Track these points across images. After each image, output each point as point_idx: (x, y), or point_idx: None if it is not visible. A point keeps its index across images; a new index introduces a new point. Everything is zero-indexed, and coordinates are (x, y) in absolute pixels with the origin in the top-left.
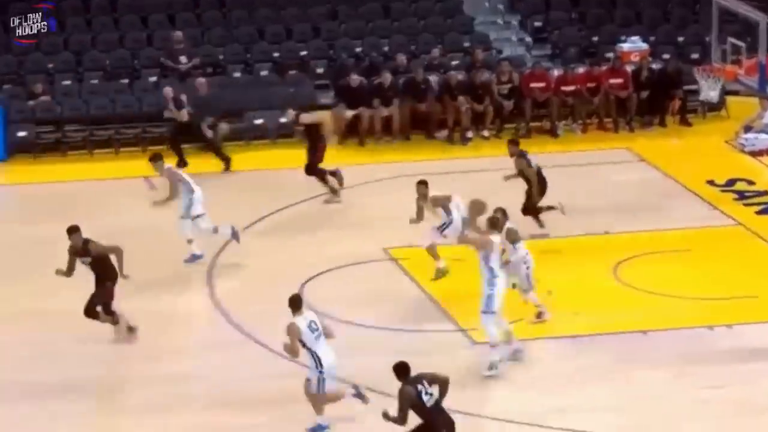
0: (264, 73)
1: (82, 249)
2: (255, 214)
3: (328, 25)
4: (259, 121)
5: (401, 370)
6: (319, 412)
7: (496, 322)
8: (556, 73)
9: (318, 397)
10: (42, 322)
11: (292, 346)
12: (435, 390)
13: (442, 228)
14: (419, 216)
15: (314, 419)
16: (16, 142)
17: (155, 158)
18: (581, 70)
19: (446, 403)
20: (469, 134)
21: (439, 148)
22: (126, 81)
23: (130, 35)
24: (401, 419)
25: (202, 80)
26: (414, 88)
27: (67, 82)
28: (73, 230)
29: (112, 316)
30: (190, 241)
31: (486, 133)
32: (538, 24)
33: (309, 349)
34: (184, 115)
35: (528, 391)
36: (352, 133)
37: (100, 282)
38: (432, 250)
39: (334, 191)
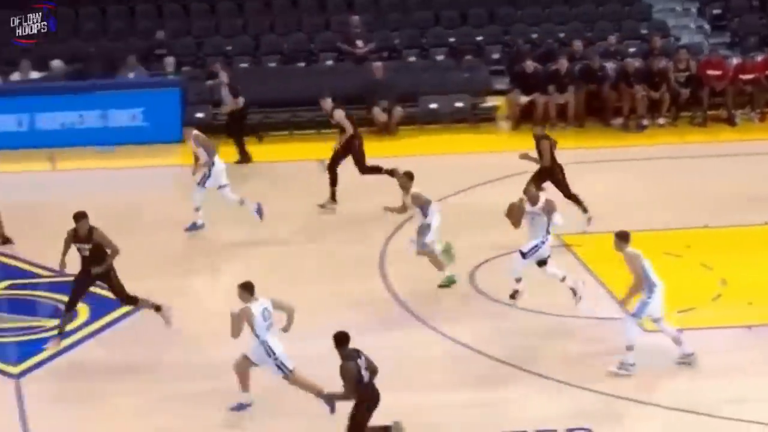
0: (439, 57)
1: (86, 236)
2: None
3: (505, 10)
4: (433, 106)
5: (341, 339)
6: (306, 390)
7: (661, 327)
8: (734, 61)
9: (294, 379)
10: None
11: (236, 327)
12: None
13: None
14: (401, 209)
15: (240, 398)
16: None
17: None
18: (760, 58)
19: (612, 389)
20: (645, 122)
21: (614, 136)
22: (303, 65)
23: (308, 20)
24: (349, 394)
25: (378, 64)
26: (590, 74)
27: (245, 65)
28: (81, 216)
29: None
30: (197, 209)
31: (662, 120)
32: (717, 11)
33: (258, 337)
34: (239, 102)
35: (703, 380)
36: (527, 119)
37: (85, 269)
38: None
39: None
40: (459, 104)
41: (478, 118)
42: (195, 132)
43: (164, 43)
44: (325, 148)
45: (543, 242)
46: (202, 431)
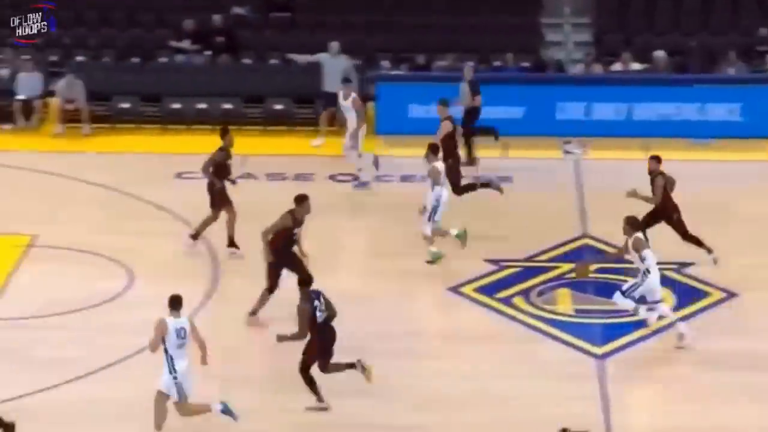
0: None
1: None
2: None
3: None
4: None
5: (304, 281)
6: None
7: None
8: None
9: (181, 407)
10: None
11: (154, 340)
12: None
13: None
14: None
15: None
16: None
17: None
18: None
19: None
20: None
21: None
22: None
23: None
24: (301, 334)
25: None
26: None
27: None
28: (303, 199)
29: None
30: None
31: None
32: None
33: (166, 351)
34: (478, 101)
35: None
36: None
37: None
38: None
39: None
40: None
41: None
42: (353, 95)
43: (766, 39)
44: None
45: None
46: None
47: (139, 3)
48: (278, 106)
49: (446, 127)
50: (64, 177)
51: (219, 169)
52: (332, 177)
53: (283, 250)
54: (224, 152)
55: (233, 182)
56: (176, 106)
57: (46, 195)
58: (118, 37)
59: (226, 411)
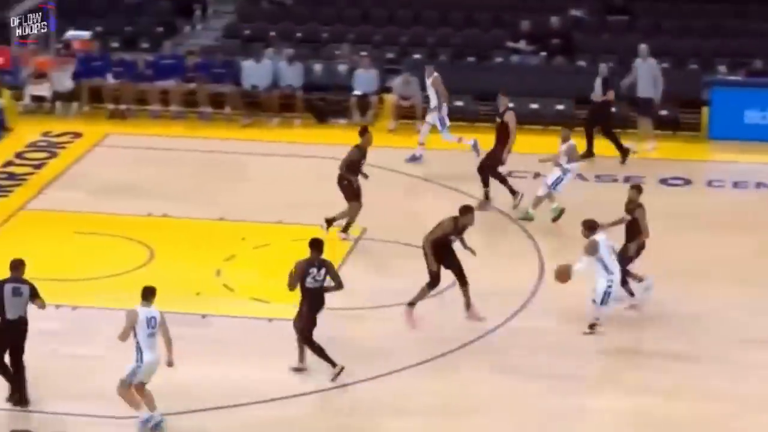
0: None
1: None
2: None
3: None
4: None
5: (316, 245)
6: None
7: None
8: None
9: (123, 386)
10: None
11: (125, 329)
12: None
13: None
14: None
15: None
16: None
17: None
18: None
19: None
20: None
21: None
22: None
23: None
24: (289, 285)
25: None
26: None
27: None
28: (467, 210)
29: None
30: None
31: None
32: None
33: (136, 340)
34: (610, 95)
35: None
36: None
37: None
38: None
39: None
40: None
41: None
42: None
43: None
44: None
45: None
46: None
47: (477, 3)
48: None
49: None
50: (395, 172)
51: (352, 166)
52: (663, 181)
53: (441, 252)
54: (360, 151)
55: (365, 176)
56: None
57: (380, 188)
58: (455, 36)
59: (151, 426)
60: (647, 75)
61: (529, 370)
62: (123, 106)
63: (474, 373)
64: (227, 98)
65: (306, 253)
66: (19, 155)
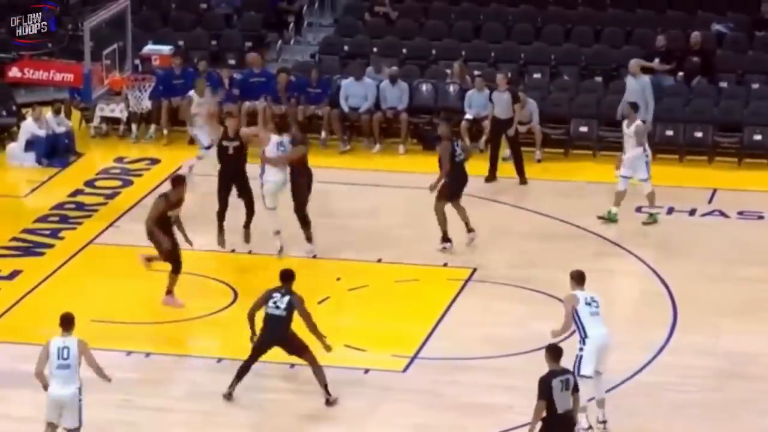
0: None
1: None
2: None
3: None
4: None
5: (285, 276)
6: None
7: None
8: None
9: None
10: None
11: (37, 363)
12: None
13: None
14: None
15: None
16: None
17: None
18: None
19: None
20: None
21: None
22: None
23: None
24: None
25: None
26: None
27: None
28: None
29: None
30: None
31: None
32: None
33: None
34: None
35: None
36: None
37: None
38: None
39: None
40: None
41: None
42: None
43: None
44: None
45: None
46: None
47: (606, 16)
48: (757, 137)
49: None
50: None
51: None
52: None
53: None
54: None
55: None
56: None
57: (490, 224)
58: (579, 53)
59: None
60: None
61: None
62: None
63: None
64: (323, 122)
65: (407, 294)
66: (89, 183)
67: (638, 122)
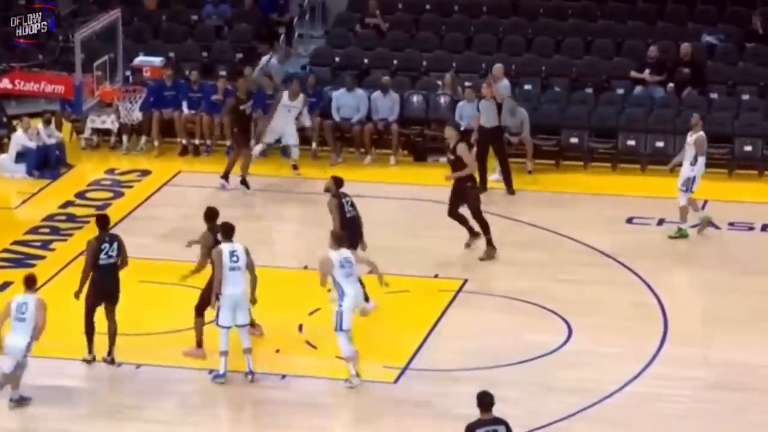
0: None
1: None
2: None
3: None
4: None
5: (101, 221)
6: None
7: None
8: None
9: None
10: None
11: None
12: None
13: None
14: None
15: None
16: None
17: None
18: None
19: None
20: None
21: None
22: None
23: None
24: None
25: None
26: None
27: None
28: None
29: None
30: None
31: None
32: None
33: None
34: None
35: None
36: None
37: None
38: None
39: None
40: None
41: None
42: None
43: None
44: None
45: None
46: None
47: (597, 27)
48: (747, 147)
49: None
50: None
51: None
52: None
53: None
54: None
55: None
56: (630, 143)
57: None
58: (570, 64)
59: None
60: None
61: None
62: (197, 141)
63: None
64: (314, 133)
65: (398, 305)
66: (79, 195)
67: (701, 133)
